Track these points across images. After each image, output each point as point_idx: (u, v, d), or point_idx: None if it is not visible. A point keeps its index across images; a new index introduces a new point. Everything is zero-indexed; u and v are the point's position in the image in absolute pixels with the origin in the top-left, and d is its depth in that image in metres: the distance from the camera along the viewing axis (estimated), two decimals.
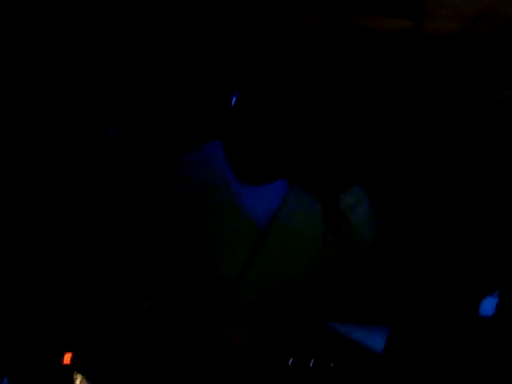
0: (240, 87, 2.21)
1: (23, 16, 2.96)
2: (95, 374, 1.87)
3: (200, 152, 2.27)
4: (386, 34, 3.09)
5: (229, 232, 2.18)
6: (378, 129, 3.29)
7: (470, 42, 3.09)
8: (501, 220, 2.38)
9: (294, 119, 2.15)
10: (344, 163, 2.99)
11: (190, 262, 2.20)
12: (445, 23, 3.04)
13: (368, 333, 1.68)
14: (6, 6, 2.88)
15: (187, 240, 2.19)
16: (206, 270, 2.18)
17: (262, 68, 2.29)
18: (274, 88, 2.17)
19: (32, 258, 2.78)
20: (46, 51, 3.02)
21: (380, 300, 2.12)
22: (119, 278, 2.35)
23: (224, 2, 3.06)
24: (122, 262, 2.31)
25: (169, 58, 3.22)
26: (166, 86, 3.22)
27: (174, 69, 3.20)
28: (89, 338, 2.17)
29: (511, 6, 2.81)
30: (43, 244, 2.82)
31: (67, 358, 1.82)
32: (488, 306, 1.53)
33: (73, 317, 2.66)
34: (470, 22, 2.99)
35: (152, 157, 2.97)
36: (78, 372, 1.80)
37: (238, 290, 2.16)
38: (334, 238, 2.24)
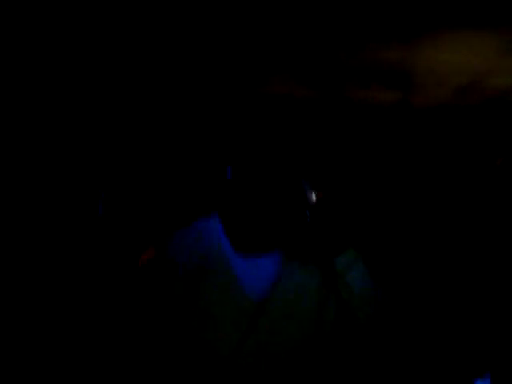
0: (234, 162, 2.26)
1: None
2: None
3: (195, 227, 2.30)
4: (378, 106, 3.16)
5: (227, 304, 2.19)
6: (370, 194, 3.33)
7: (459, 111, 3.15)
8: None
9: (289, 190, 2.18)
10: (338, 228, 3.02)
11: (189, 336, 2.20)
12: (433, 94, 3.11)
13: None
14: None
15: (186, 315, 2.20)
16: (204, 344, 2.18)
17: (256, 142, 2.34)
18: (269, 162, 2.21)
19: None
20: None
21: (379, 370, 2.11)
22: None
23: (219, 79, 3.13)
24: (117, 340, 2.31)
25: (160, 133, 3.28)
26: (160, 161, 3.27)
27: (167, 145, 3.25)
28: None
29: (496, 76, 2.88)
30: None
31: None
32: None
33: None
34: (457, 92, 3.05)
35: (146, 232, 3.00)
36: None
37: (236, 363, 2.15)
38: (331, 304, 2.24)
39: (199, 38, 2.66)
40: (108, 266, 2.94)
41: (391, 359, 1.55)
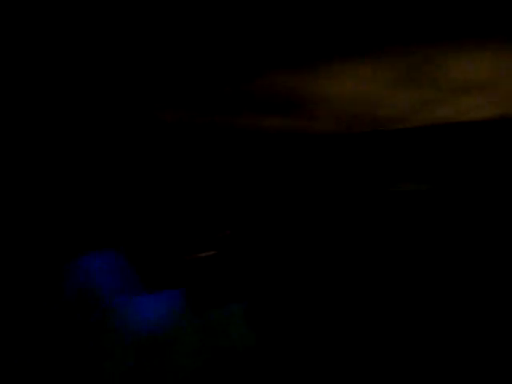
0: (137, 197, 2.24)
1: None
2: None
3: (82, 263, 2.28)
4: (265, 133, 3.19)
5: (115, 341, 2.16)
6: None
7: (347, 141, 3.22)
8: None
9: (190, 229, 2.19)
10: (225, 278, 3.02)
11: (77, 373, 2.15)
12: (323, 123, 3.17)
13: None
14: None
15: (73, 351, 2.16)
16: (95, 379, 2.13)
17: (146, 178, 2.33)
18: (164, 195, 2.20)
19: None
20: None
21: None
22: None
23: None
24: None
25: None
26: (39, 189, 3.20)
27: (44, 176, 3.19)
28: None
29: (382, 108, 2.98)
30: None
31: None
32: None
33: None
34: (345, 123, 3.13)
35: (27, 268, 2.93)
36: None
37: None
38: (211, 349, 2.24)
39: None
40: None
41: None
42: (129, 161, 3.00)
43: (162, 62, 2.90)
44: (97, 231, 2.98)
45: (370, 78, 2.92)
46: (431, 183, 3.16)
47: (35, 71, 2.94)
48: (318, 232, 3.16)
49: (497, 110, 2.81)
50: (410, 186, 3.21)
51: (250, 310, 2.25)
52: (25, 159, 2.94)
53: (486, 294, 1.89)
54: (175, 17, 2.97)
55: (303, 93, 2.94)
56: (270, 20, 2.90)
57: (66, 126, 3.01)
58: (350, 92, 2.95)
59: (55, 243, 2.98)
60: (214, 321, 2.24)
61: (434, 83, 2.86)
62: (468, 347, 1.42)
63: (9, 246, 2.70)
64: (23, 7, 2.80)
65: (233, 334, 2.20)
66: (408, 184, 3.22)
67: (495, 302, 1.68)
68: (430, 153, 3.13)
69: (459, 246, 2.77)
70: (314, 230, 3.17)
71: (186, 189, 2.43)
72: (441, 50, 2.80)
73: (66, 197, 3.02)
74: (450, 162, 3.07)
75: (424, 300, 1.78)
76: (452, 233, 2.92)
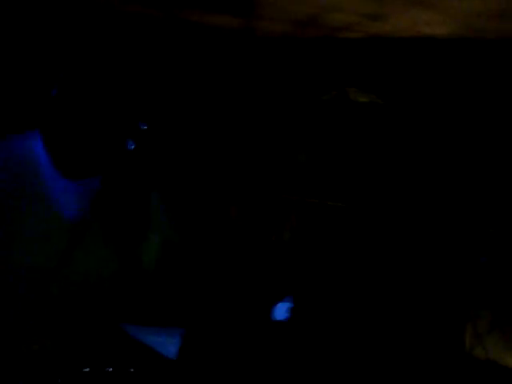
0: (61, 77, 2.12)
1: None
2: None
3: (7, 146, 2.16)
4: (216, 30, 3.09)
5: (43, 224, 2.11)
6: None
7: (297, 44, 3.16)
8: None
9: (116, 113, 2.11)
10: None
11: (5, 258, 2.11)
12: (274, 24, 3.09)
13: (161, 337, 1.66)
14: None
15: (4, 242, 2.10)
16: (23, 265, 2.10)
17: (85, 58, 2.21)
18: (97, 79, 2.10)
19: None
20: None
21: (175, 302, 2.14)
22: None
23: None
24: None
25: None
26: None
27: None
28: None
29: (336, 11, 2.91)
30: None
31: None
32: (281, 310, 1.57)
33: None
34: (297, 25, 3.05)
35: None
36: None
37: (56, 282, 2.09)
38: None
39: None
40: None
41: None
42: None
43: None
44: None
45: None
46: (377, 95, 3.18)
47: None
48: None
49: (450, 28, 2.80)
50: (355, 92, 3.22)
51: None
52: None
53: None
54: None
55: None
56: None
57: None
58: None
59: None
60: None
61: None
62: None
63: None
64: None
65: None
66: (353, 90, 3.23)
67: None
68: (378, 65, 3.11)
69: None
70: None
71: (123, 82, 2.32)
72: None
73: None
74: (399, 77, 3.08)
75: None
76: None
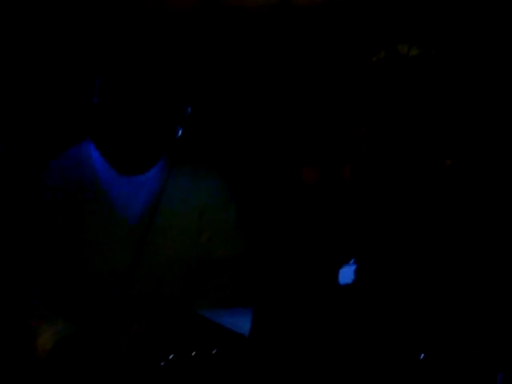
0: (100, 79, 2.14)
1: None
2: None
3: (67, 155, 2.23)
4: (255, 11, 3.09)
5: (111, 227, 2.16)
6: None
7: (336, 9, 3.12)
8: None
9: (163, 102, 2.11)
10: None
11: (80, 265, 2.18)
12: None
13: (236, 317, 1.70)
14: None
15: (72, 245, 2.17)
16: (98, 269, 2.16)
17: (122, 55, 2.22)
18: (139, 74, 2.10)
19: None
20: None
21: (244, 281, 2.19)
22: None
23: None
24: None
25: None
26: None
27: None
28: None
29: None
30: None
31: None
32: (346, 274, 1.57)
33: None
34: None
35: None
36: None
37: (133, 280, 2.14)
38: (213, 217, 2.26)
39: None
40: None
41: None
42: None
43: None
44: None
45: None
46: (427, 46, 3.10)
47: None
48: None
49: None
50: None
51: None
52: None
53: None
54: None
55: None
56: None
57: None
58: None
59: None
60: None
61: None
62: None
63: None
64: None
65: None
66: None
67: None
68: (424, 16, 3.04)
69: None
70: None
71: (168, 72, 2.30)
72: None
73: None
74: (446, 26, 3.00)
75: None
76: None
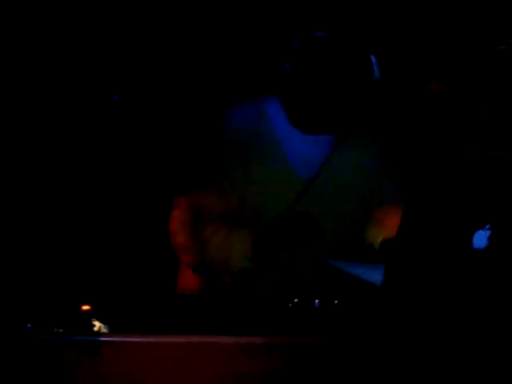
0: (294, 48, 2.24)
1: None
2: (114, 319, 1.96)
3: (246, 108, 2.37)
4: None
5: (275, 177, 2.29)
6: None
7: None
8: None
9: (354, 68, 2.20)
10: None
11: (236, 209, 2.28)
12: None
13: (367, 269, 1.77)
14: None
15: (234, 187, 2.29)
16: (252, 216, 2.28)
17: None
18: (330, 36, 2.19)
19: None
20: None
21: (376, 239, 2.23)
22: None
23: None
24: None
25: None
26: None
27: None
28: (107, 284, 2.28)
29: None
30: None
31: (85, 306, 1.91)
32: (481, 238, 1.61)
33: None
34: None
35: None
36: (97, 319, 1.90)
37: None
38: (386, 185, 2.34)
39: None
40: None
41: None
42: None
43: None
44: None
45: None
46: None
47: None
48: None
49: None
50: None
51: None
52: None
53: None
54: None
55: None
56: None
57: None
58: None
59: None
60: None
61: None
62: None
63: None
64: None
65: None
66: None
67: None
68: None
69: None
70: None
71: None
72: None
73: None
74: None
75: None
76: None
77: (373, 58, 2.23)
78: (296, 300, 1.73)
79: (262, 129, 2.34)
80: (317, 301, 1.69)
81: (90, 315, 1.55)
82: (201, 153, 2.34)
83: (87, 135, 3.11)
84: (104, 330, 1.56)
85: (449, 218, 1.57)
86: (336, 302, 1.71)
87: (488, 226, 1.52)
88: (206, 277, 2.34)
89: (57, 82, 3.10)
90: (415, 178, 1.65)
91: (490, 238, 1.54)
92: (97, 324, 1.56)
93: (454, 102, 3.16)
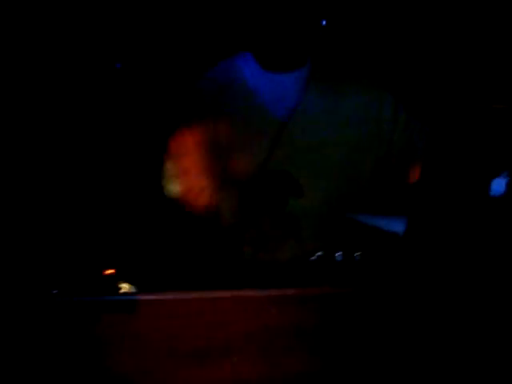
0: None
1: None
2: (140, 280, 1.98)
3: (220, 68, 2.39)
4: None
5: (249, 117, 2.32)
6: None
7: None
8: None
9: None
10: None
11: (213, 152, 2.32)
12: None
13: (388, 220, 1.79)
14: None
15: (210, 132, 2.33)
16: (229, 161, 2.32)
17: None
18: None
19: None
20: None
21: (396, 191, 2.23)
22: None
23: None
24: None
25: None
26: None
27: None
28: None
29: None
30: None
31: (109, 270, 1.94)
32: (498, 185, 1.62)
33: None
34: None
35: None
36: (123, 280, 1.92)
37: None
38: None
39: None
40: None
41: None
42: None
43: None
44: None
45: None
46: None
47: None
48: None
49: None
50: None
51: None
52: None
53: None
54: None
55: None
56: None
57: None
58: None
59: None
60: None
61: None
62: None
63: None
64: None
65: None
66: None
67: None
68: None
69: None
70: None
71: None
72: None
73: None
74: None
75: None
76: None
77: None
78: (319, 253, 1.75)
79: (232, 78, 2.40)
80: (339, 253, 1.71)
81: (115, 278, 1.58)
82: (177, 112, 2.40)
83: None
84: (132, 290, 1.59)
85: (468, 166, 1.58)
86: (359, 254, 1.74)
87: (506, 173, 1.53)
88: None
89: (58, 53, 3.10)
90: (436, 130, 1.66)
91: (508, 185, 1.56)
92: (125, 286, 1.60)
93: (475, 52, 3.11)
